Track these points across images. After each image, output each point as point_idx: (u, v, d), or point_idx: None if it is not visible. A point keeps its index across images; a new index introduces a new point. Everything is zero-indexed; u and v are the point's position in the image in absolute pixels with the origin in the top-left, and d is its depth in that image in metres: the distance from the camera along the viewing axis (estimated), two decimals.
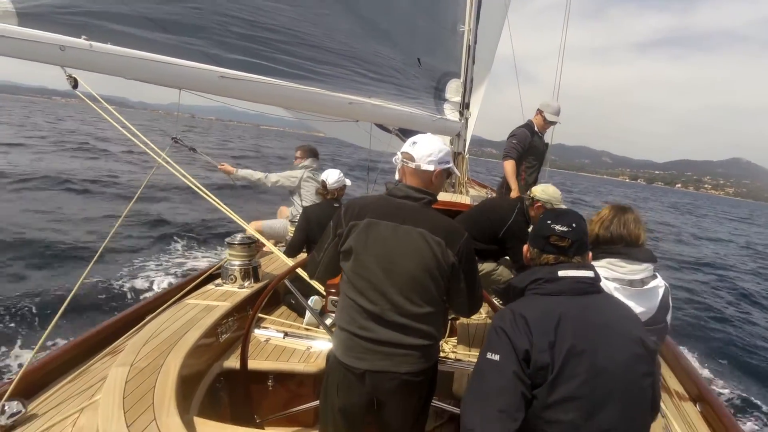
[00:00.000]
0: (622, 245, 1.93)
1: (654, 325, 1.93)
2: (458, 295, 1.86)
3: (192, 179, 3.03)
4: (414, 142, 1.89)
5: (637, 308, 1.84)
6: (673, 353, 3.15)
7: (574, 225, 1.48)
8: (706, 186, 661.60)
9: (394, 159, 1.97)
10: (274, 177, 5.14)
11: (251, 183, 5.25)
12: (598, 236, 1.98)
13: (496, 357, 1.31)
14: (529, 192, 3.36)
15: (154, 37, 2.95)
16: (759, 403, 5.80)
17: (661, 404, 2.42)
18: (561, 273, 1.43)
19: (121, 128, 2.96)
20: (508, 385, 1.26)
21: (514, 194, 4.52)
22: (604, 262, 1.92)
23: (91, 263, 2.63)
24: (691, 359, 6.45)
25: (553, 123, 5.04)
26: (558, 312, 1.34)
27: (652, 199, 72.17)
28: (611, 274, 1.89)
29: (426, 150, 1.86)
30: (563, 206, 3.25)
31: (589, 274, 1.45)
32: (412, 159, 1.87)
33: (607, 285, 1.85)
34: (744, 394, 5.99)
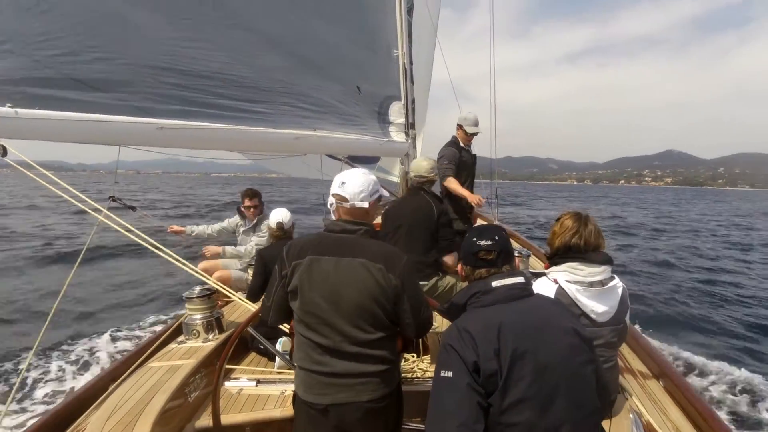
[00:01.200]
0: (580, 252, 2.03)
1: (616, 324, 2.02)
2: (405, 317, 1.89)
3: (138, 232, 2.96)
4: (342, 182, 1.95)
5: (600, 307, 1.93)
6: (632, 335, 3.27)
7: (496, 237, 1.61)
8: (647, 179, 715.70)
9: (327, 204, 2.02)
10: (252, 250, 4.87)
11: (217, 234, 5.12)
12: (558, 247, 2.08)
13: (449, 374, 1.36)
14: (415, 177, 3.64)
15: (85, 98, 2.88)
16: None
17: (626, 384, 2.53)
18: (494, 284, 1.53)
19: (58, 191, 2.87)
20: (464, 399, 1.31)
21: (471, 199, 4.60)
22: (564, 266, 2.01)
23: (44, 328, 2.53)
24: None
25: (475, 134, 5.07)
26: (498, 320, 1.41)
27: (603, 198, 74.65)
28: (572, 277, 1.97)
29: (356, 188, 1.93)
30: (434, 176, 3.67)
31: (520, 280, 1.56)
32: (345, 200, 1.94)
33: (569, 288, 1.95)
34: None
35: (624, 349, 3.30)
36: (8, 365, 5.81)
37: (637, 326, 7.08)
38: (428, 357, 3.42)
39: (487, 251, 1.59)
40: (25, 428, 2.61)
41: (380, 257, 1.85)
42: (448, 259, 3.46)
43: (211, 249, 4.88)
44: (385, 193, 2.11)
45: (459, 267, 1.72)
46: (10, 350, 6.27)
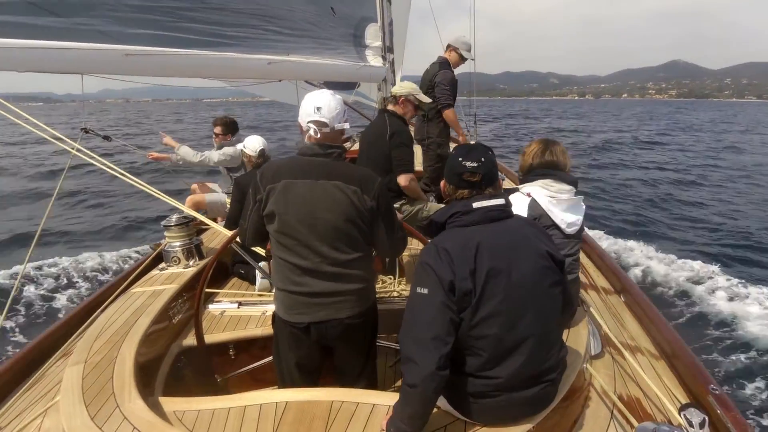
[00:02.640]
0: (551, 170, 2.13)
1: (579, 237, 2.19)
2: (380, 237, 1.99)
3: (111, 165, 2.95)
4: (317, 108, 1.94)
5: (572, 217, 2.08)
6: (598, 254, 3.48)
7: (483, 159, 1.60)
8: (650, 92, 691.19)
9: (303, 130, 2.01)
10: (216, 156, 4.89)
11: (188, 165, 5.02)
12: (531, 165, 2.18)
13: (425, 290, 1.45)
14: (387, 95, 3.60)
15: (43, 23, 2.74)
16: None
17: (587, 297, 2.74)
18: (475, 204, 1.57)
19: (29, 126, 2.82)
20: (437, 315, 1.42)
21: (462, 140, 4.54)
22: (538, 182, 2.13)
23: (28, 256, 2.57)
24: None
25: (468, 59, 4.92)
26: (476, 240, 1.49)
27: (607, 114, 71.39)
28: (545, 192, 2.09)
29: (333, 112, 1.95)
30: (423, 96, 3.57)
31: (500, 202, 1.60)
32: (325, 125, 1.95)
33: (542, 199, 2.07)
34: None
35: (589, 266, 3.52)
36: None
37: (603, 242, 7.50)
38: (403, 278, 3.60)
39: (471, 173, 1.57)
40: (16, 351, 2.74)
41: (355, 179, 1.90)
42: (402, 180, 3.35)
43: (159, 154, 4.99)
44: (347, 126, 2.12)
45: (442, 183, 1.73)
46: None
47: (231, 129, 5.10)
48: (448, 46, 4.83)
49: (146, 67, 3.23)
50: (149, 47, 3.23)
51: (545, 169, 2.13)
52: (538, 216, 2.05)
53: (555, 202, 2.07)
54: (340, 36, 5.10)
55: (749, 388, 4.30)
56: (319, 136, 1.95)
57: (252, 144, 3.78)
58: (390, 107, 3.54)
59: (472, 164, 1.58)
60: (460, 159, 1.60)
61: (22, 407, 2.09)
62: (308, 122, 1.96)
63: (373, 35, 5.62)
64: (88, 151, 2.91)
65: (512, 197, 2.11)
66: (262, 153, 3.75)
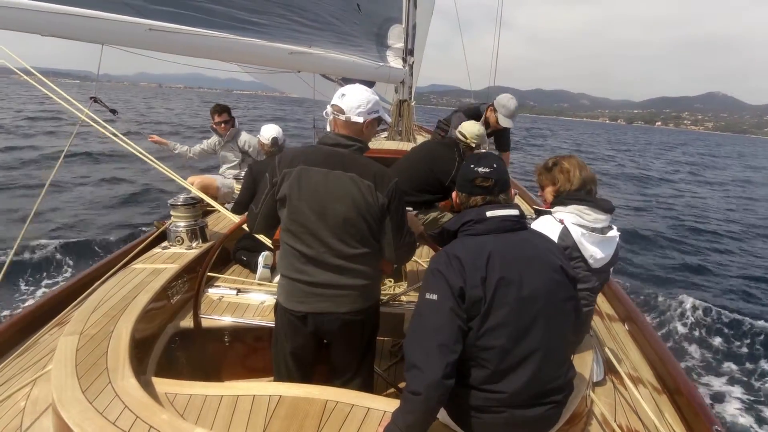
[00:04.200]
0: (584, 192, 2.04)
1: (605, 272, 2.09)
2: (386, 237, 1.94)
3: (124, 138, 2.91)
4: (343, 95, 1.92)
5: (599, 254, 1.98)
6: None
7: (495, 165, 1.58)
8: (685, 122, 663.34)
9: (324, 112, 2.00)
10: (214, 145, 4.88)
11: (198, 155, 5.02)
12: (575, 188, 2.05)
13: (434, 296, 1.41)
14: (459, 135, 3.48)
15: None
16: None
17: (593, 325, 2.69)
18: (489, 213, 1.53)
19: (42, 88, 2.79)
20: (446, 322, 1.38)
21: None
22: (572, 208, 2.01)
23: (26, 225, 2.55)
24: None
25: (504, 126, 4.33)
26: (488, 250, 1.44)
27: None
28: (578, 220, 1.99)
29: (355, 102, 1.90)
30: (474, 145, 3.48)
31: (514, 212, 1.56)
32: (342, 111, 1.91)
33: (575, 230, 1.97)
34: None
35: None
36: None
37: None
38: (405, 282, 3.57)
39: (484, 178, 1.55)
40: (10, 315, 2.70)
41: (370, 174, 1.86)
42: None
43: (158, 139, 4.91)
44: (387, 117, 2.07)
45: (453, 194, 1.70)
46: None
47: (230, 118, 4.89)
48: (489, 106, 4.39)
49: (168, 44, 3.22)
50: (173, 24, 3.21)
51: (581, 192, 2.04)
52: (568, 246, 1.96)
53: (587, 234, 1.97)
54: (363, 33, 5.09)
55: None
56: (333, 119, 1.94)
57: (266, 132, 3.76)
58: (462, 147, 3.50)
59: (484, 170, 1.56)
60: (472, 166, 1.59)
61: (11, 374, 2.06)
62: (331, 104, 1.95)
63: (396, 36, 5.61)
64: (96, 118, 2.87)
65: (543, 220, 2.05)
66: (275, 141, 3.72)
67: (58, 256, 6.28)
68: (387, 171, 1.94)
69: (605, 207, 2.01)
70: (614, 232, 2.05)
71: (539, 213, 2.13)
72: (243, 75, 4.50)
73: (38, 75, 2.83)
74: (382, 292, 3.45)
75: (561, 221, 1.99)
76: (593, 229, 1.98)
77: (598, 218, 1.99)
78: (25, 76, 2.83)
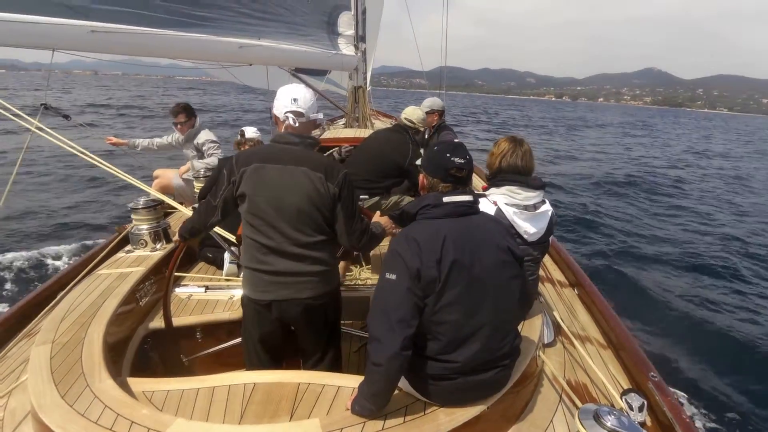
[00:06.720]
0: (518, 174, 2.19)
1: (541, 243, 2.26)
2: (338, 225, 2.08)
3: (73, 145, 2.87)
4: (294, 99, 2.06)
5: (531, 229, 2.15)
6: (555, 248, 3.65)
7: (467, 157, 1.69)
8: (625, 98, 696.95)
9: (282, 119, 2.09)
10: (200, 164, 4.67)
11: (148, 151, 4.98)
12: (500, 167, 2.22)
13: (393, 276, 1.53)
14: (407, 121, 3.77)
15: None
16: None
17: (543, 290, 2.88)
18: (445, 199, 1.64)
19: None
20: (403, 299, 1.50)
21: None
22: (504, 189, 2.18)
23: None
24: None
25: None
26: (443, 233, 1.57)
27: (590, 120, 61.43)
28: (510, 200, 2.15)
29: (308, 103, 2.08)
30: (421, 127, 3.86)
31: (468, 198, 1.68)
32: (302, 114, 2.07)
33: (507, 210, 2.13)
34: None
35: (546, 260, 3.68)
36: None
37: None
38: (369, 267, 3.69)
39: (458, 168, 1.64)
40: None
41: (321, 167, 2.01)
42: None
43: (116, 140, 4.83)
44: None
45: (421, 177, 1.78)
46: None
47: (193, 113, 4.85)
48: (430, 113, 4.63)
49: (113, 45, 3.16)
50: (116, 24, 3.16)
51: (512, 174, 2.18)
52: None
53: (518, 212, 2.14)
54: (313, 22, 5.09)
55: (686, 375, 4.62)
56: (297, 125, 2.07)
57: (251, 133, 3.88)
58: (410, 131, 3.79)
59: (459, 161, 1.66)
60: (448, 155, 1.67)
61: None
62: (286, 112, 2.07)
63: (346, 23, 5.63)
64: (49, 130, 2.82)
65: (479, 203, 2.19)
66: (242, 133, 3.81)
67: (20, 267, 6.09)
68: (337, 163, 2.11)
69: (535, 185, 2.18)
70: (546, 206, 2.22)
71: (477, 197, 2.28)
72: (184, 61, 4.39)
73: None
74: (349, 277, 3.57)
75: (494, 203, 2.15)
76: (525, 207, 2.15)
77: (529, 196, 2.17)
78: None
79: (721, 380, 4.60)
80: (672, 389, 2.13)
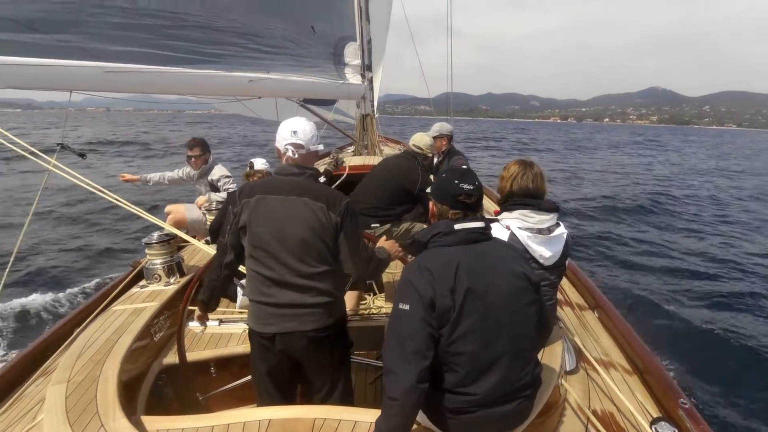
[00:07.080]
0: (529, 197, 2.15)
1: (558, 266, 2.21)
2: (342, 254, 2.06)
3: (89, 182, 2.92)
4: (294, 131, 2.09)
5: (547, 253, 2.10)
6: (573, 270, 3.57)
7: (476, 183, 1.68)
8: (631, 117, 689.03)
9: (282, 151, 2.12)
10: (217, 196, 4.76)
11: (173, 183, 5.09)
12: (511, 191, 2.18)
13: (407, 306, 1.50)
14: (415, 147, 3.81)
15: (23, 39, 2.74)
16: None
17: (562, 314, 2.81)
18: (456, 226, 1.62)
19: (3, 141, 2.78)
20: (418, 330, 1.47)
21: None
22: (516, 213, 2.14)
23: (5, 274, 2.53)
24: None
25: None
26: (456, 261, 1.54)
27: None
28: (523, 224, 2.11)
29: (308, 135, 2.11)
30: (430, 154, 3.89)
31: (480, 224, 1.66)
32: (301, 147, 2.09)
33: (521, 234, 2.09)
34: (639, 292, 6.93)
35: (564, 283, 3.61)
36: None
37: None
38: (382, 295, 3.65)
39: (467, 195, 1.63)
40: None
41: (322, 197, 2.01)
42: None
43: (129, 176, 4.96)
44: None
45: (431, 204, 1.77)
46: None
47: (207, 148, 4.93)
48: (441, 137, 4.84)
49: (126, 84, 3.24)
50: (129, 64, 3.24)
51: (524, 197, 2.15)
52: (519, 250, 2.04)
53: (532, 236, 2.09)
54: (319, 54, 5.19)
55: (718, 401, 4.44)
56: (296, 156, 2.09)
57: (260, 165, 3.89)
58: (419, 158, 3.83)
59: (468, 187, 1.65)
60: (456, 181, 1.66)
61: (1, 428, 2.04)
62: (286, 145, 2.09)
63: (352, 53, 5.74)
64: (66, 168, 2.88)
65: (492, 228, 2.16)
66: (251, 165, 3.83)
67: (37, 305, 6.13)
68: (338, 193, 2.09)
69: (548, 207, 2.14)
70: (561, 229, 2.17)
71: (489, 222, 2.24)
72: (187, 98, 4.50)
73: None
74: (362, 306, 3.53)
75: (507, 227, 2.11)
76: (539, 230, 2.10)
77: (542, 219, 2.12)
78: None
79: (752, 407, 4.41)
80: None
